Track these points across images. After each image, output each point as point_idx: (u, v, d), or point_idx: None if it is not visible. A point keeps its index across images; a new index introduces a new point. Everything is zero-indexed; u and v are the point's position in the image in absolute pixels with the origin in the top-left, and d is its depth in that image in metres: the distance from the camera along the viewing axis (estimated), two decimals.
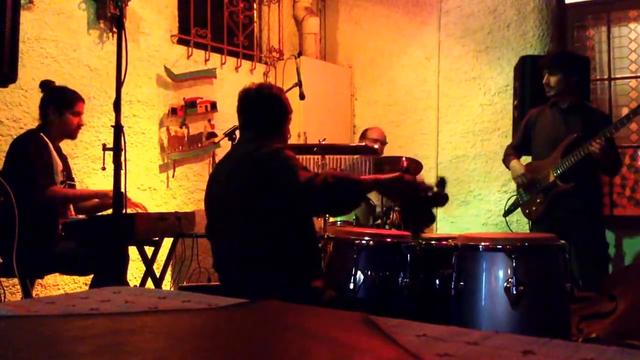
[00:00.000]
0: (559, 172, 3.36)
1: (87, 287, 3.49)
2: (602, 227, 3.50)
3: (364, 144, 3.82)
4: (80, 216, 3.24)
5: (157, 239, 3.50)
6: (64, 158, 3.29)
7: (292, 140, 2.50)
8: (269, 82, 2.62)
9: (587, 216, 3.40)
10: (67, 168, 3.29)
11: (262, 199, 2.22)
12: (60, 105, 3.15)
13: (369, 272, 2.53)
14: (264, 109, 2.44)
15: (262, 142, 2.34)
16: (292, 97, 3.62)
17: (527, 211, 3.64)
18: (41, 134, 3.10)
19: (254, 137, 2.41)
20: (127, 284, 2.92)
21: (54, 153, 3.11)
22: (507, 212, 3.91)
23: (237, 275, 2.31)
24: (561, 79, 3.45)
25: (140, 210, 3.38)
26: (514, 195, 3.83)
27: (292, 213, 2.24)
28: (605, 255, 3.59)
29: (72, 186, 3.32)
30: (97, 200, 3.45)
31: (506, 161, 3.76)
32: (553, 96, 3.51)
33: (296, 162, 2.24)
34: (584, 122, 3.41)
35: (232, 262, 2.32)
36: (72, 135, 3.26)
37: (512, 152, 3.74)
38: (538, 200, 3.52)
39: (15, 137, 3.25)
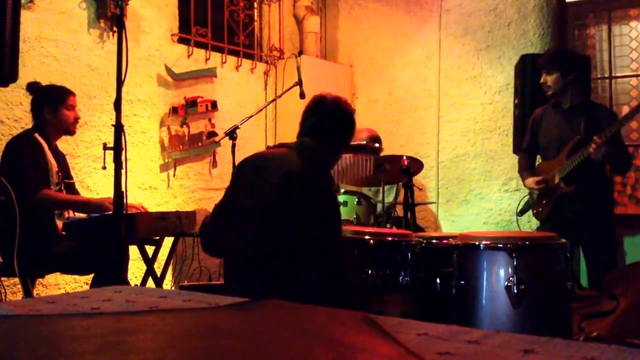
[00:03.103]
0: (563, 174, 3.35)
1: (88, 287, 3.49)
2: (611, 227, 3.43)
3: (364, 142, 3.82)
4: (81, 215, 3.24)
5: (157, 238, 3.50)
6: (61, 157, 3.27)
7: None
8: (345, 98, 2.55)
9: (595, 217, 3.36)
10: (64, 167, 3.27)
11: (294, 219, 2.17)
12: (54, 103, 3.12)
13: (370, 271, 2.54)
14: (337, 124, 2.37)
15: (319, 157, 2.31)
16: (293, 96, 3.63)
17: (535, 211, 3.63)
18: (36, 134, 3.08)
19: (314, 145, 2.32)
20: (128, 283, 2.92)
21: (49, 154, 3.09)
22: (522, 212, 3.89)
23: (242, 271, 2.29)
24: (558, 78, 3.40)
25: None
26: (527, 195, 3.80)
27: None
28: (615, 256, 3.49)
29: (71, 185, 3.31)
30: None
31: (522, 177, 3.70)
32: (552, 96, 3.48)
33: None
34: (588, 121, 3.35)
35: (242, 258, 2.27)
36: (71, 131, 3.23)
37: (525, 167, 3.67)
38: (544, 201, 3.51)
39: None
